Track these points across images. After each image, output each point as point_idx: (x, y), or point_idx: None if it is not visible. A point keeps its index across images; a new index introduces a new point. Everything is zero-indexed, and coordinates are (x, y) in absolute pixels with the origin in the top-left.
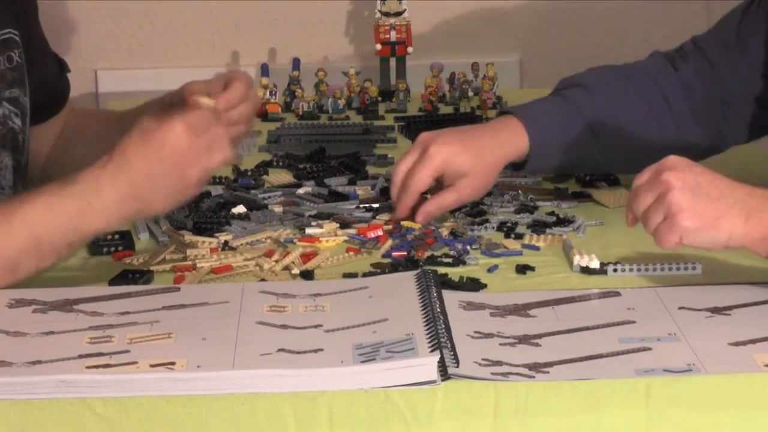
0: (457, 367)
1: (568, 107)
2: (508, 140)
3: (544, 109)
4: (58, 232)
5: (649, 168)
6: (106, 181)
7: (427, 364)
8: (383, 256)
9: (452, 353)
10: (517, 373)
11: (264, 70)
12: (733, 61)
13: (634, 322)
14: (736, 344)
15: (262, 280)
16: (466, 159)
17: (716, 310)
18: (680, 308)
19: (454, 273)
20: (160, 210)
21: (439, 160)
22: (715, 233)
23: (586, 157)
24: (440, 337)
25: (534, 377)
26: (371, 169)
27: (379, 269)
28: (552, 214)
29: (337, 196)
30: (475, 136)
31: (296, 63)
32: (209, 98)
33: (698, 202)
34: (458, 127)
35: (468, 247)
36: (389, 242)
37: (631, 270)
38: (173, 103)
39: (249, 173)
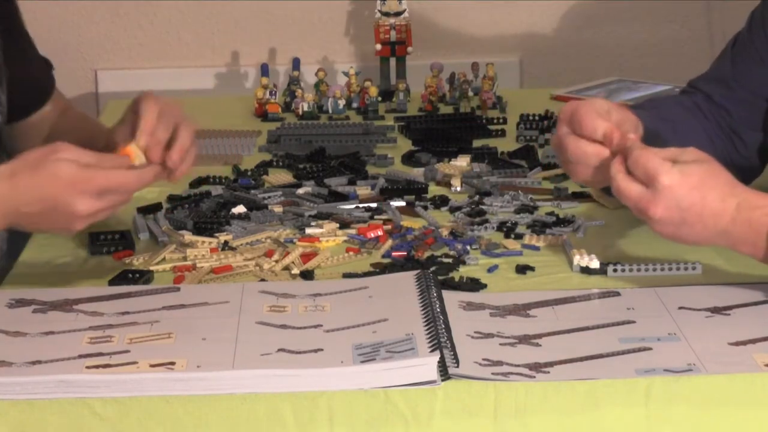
0: (457, 367)
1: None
2: None
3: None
4: None
5: (639, 186)
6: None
7: (427, 364)
8: (383, 256)
9: (452, 353)
10: (517, 373)
11: (264, 70)
12: (733, 93)
13: (634, 322)
14: (736, 344)
15: (262, 280)
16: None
17: (716, 310)
18: (680, 308)
19: (454, 273)
20: (44, 231)
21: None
22: (695, 246)
23: None
24: (440, 337)
25: (534, 377)
26: (371, 169)
27: (379, 269)
28: (552, 214)
29: (337, 196)
30: None
31: (296, 63)
32: (141, 152)
33: (679, 236)
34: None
35: (468, 247)
36: (389, 242)
37: (631, 270)
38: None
39: (249, 173)
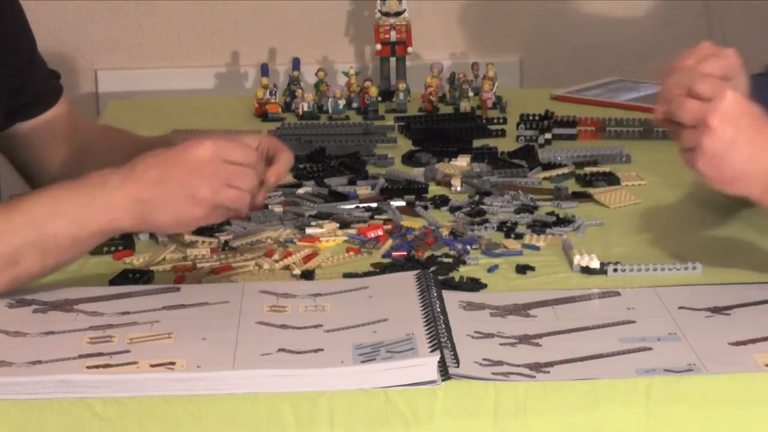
0: (458, 367)
1: None
2: None
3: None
4: (60, 224)
5: (700, 102)
6: (116, 178)
7: (427, 364)
8: (383, 256)
9: (452, 353)
10: (517, 373)
11: (264, 70)
12: None
13: (634, 322)
14: (736, 344)
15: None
16: None
17: (716, 310)
18: (680, 308)
19: (454, 273)
20: (165, 223)
21: None
22: (728, 188)
23: None
24: (440, 337)
25: (534, 377)
26: (371, 169)
27: (379, 269)
28: (552, 214)
29: (337, 196)
30: None
31: (296, 63)
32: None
33: (724, 159)
34: None
35: (468, 247)
36: (389, 242)
37: (631, 270)
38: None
39: None
